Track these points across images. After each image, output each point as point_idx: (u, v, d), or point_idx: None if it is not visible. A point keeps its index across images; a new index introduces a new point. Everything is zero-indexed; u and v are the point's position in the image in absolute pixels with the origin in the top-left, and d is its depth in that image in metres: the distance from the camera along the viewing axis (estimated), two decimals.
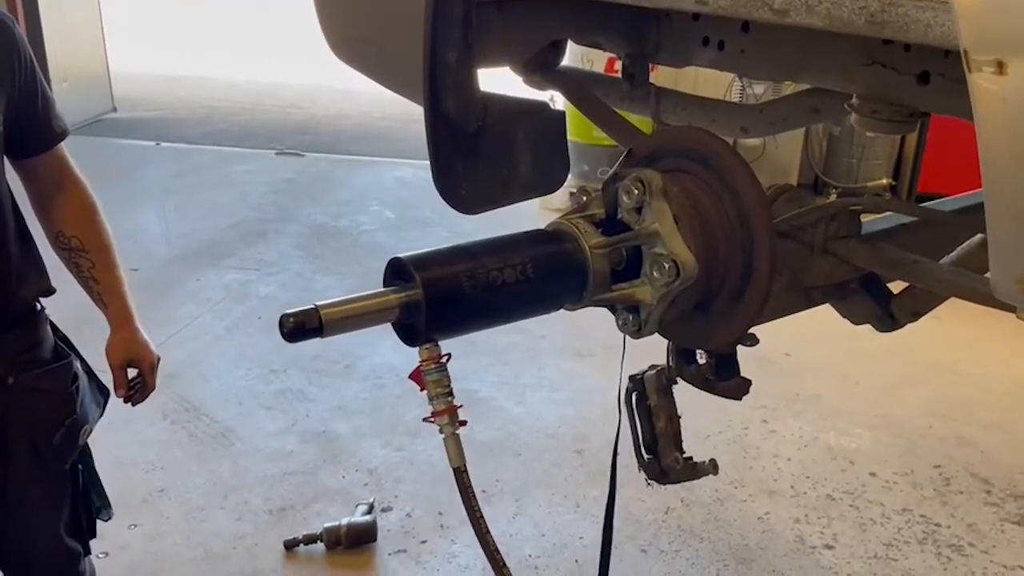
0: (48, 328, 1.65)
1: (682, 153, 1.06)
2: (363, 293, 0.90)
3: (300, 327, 0.83)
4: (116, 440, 3.12)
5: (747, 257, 1.00)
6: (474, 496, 0.98)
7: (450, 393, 0.96)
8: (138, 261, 4.76)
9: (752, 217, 0.99)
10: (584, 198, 1.04)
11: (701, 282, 0.99)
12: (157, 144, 7.38)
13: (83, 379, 1.70)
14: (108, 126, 7.80)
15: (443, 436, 0.97)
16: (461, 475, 0.97)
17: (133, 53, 9.95)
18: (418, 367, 0.95)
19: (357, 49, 1.60)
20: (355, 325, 0.88)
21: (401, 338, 0.94)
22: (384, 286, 0.92)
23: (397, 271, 0.92)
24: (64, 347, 1.68)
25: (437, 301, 0.90)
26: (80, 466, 1.72)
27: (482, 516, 1.00)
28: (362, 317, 0.88)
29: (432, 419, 0.96)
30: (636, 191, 0.98)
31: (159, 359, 1.79)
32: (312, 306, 0.85)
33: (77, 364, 1.69)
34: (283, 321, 0.83)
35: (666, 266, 0.95)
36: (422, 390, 0.96)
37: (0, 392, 1.55)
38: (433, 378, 0.95)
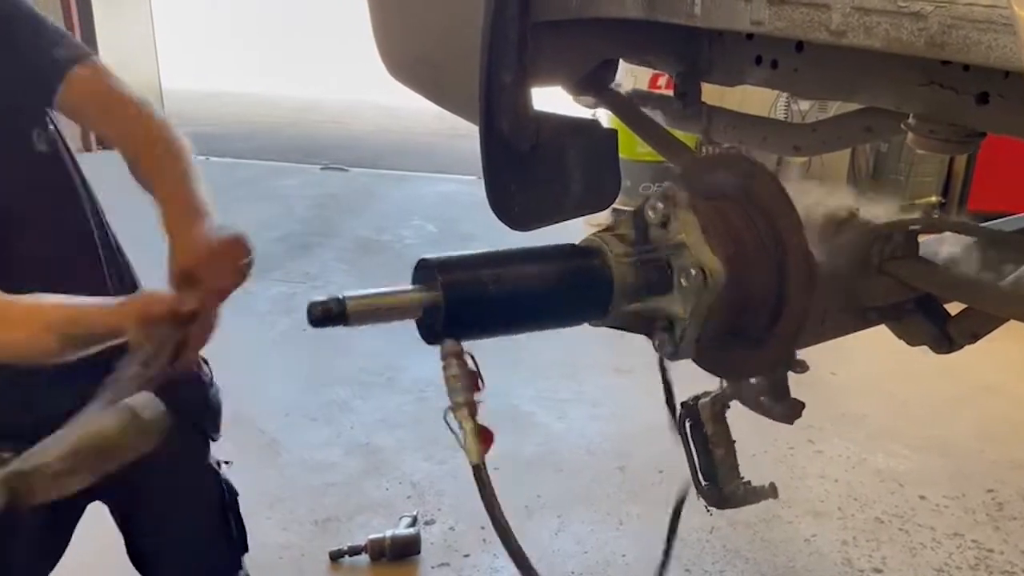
0: None
1: (714, 172, 1.06)
2: (389, 289, 0.92)
3: (327, 314, 0.86)
4: None
5: (782, 277, 0.99)
6: (493, 493, 0.93)
7: (469, 389, 0.92)
8: None
9: (786, 238, 0.98)
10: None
11: (734, 301, 0.97)
12: (206, 158, 7.54)
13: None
14: None
15: (463, 431, 0.93)
16: (479, 472, 0.93)
17: (184, 71, 10.20)
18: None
19: (413, 70, 1.63)
20: (379, 318, 0.90)
21: (422, 336, 0.96)
22: (412, 284, 0.94)
23: (424, 271, 0.94)
24: None
25: (456, 303, 0.91)
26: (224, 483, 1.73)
27: (502, 513, 0.94)
28: (386, 311, 0.90)
29: (454, 415, 0.93)
30: (661, 205, 0.98)
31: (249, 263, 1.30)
32: (339, 296, 0.87)
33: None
34: (310, 308, 0.86)
35: (693, 272, 0.95)
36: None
37: None
38: (452, 372, 0.93)
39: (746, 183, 1.02)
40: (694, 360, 1.04)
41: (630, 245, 1.00)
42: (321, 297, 0.88)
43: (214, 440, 1.75)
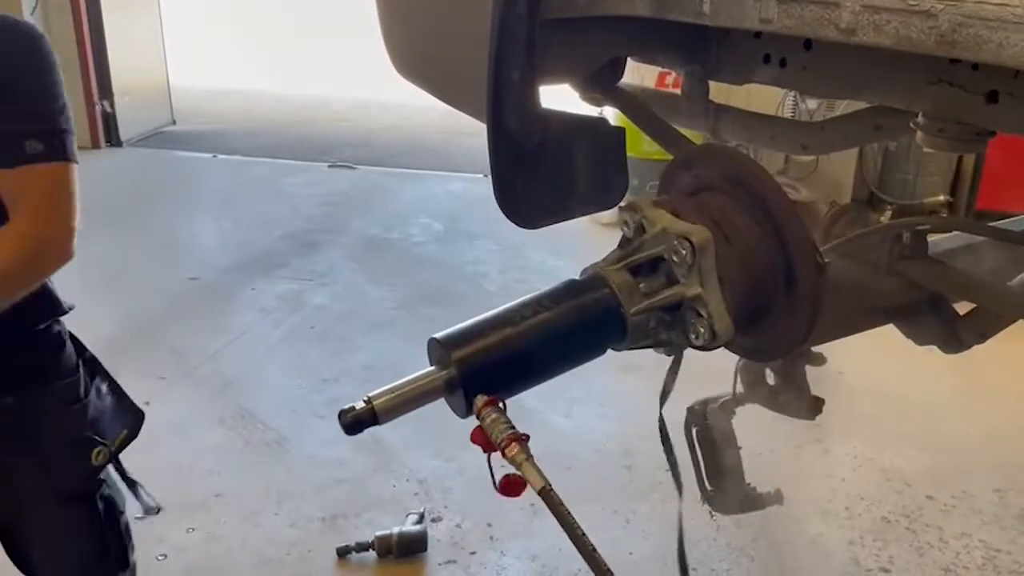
0: (56, 348, 1.62)
1: (727, 183, 1.05)
2: (409, 377, 0.94)
3: (358, 419, 0.90)
4: (174, 445, 3.20)
5: (792, 298, 0.99)
6: (569, 512, 0.92)
7: (511, 426, 0.93)
8: (196, 270, 4.88)
9: (797, 254, 0.98)
10: (625, 230, 1.04)
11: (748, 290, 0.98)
12: (214, 156, 7.56)
13: (101, 398, 1.67)
14: (168, 138, 8.02)
15: (520, 468, 0.92)
16: (549, 495, 0.92)
17: (192, 69, 10.23)
18: (477, 427, 0.94)
19: (421, 68, 1.63)
20: (407, 408, 0.93)
21: (454, 411, 0.98)
22: (430, 364, 0.96)
23: (437, 349, 0.96)
24: (77, 363, 1.64)
25: (472, 377, 0.93)
26: (103, 498, 1.69)
27: (583, 532, 0.92)
28: (413, 400, 0.93)
29: (503, 455, 0.92)
30: (683, 251, 0.98)
31: None
32: (365, 398, 0.90)
33: (93, 381, 1.66)
34: (340, 416, 0.90)
35: (702, 330, 0.98)
36: (485, 451, 0.93)
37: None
38: (491, 418, 0.93)
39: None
40: (729, 341, 1.02)
41: (640, 277, 1.00)
42: (346, 405, 0.90)
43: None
